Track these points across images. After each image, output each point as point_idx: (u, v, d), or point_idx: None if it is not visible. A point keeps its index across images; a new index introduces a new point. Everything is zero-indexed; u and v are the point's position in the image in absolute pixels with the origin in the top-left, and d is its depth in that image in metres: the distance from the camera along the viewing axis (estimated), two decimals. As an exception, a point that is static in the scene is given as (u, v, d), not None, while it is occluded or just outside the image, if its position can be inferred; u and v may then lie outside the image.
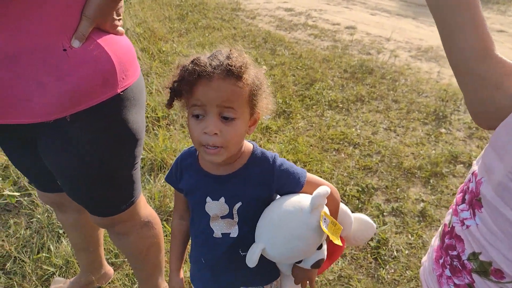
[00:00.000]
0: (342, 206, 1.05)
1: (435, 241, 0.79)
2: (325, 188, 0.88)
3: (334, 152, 2.60)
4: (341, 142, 2.71)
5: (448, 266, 0.68)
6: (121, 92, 1.00)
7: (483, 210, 0.61)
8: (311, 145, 2.65)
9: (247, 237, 0.92)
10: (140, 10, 5.04)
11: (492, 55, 0.59)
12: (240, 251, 0.94)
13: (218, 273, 0.99)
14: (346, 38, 4.80)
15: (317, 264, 0.95)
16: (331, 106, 3.14)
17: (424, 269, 0.80)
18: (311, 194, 0.89)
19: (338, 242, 0.88)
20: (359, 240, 1.11)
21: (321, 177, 2.34)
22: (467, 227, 0.64)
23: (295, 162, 2.46)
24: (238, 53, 0.83)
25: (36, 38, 0.86)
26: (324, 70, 3.76)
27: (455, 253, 0.67)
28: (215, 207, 0.93)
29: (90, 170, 1.05)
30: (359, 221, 1.10)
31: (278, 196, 0.96)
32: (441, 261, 0.70)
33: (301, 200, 0.90)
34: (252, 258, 0.88)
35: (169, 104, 0.87)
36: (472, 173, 0.65)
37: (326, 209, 0.91)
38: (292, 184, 0.92)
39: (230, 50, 0.83)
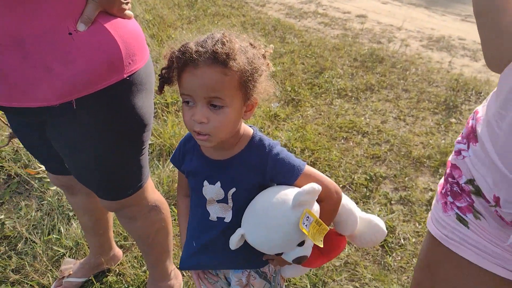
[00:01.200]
0: (349, 204, 1.02)
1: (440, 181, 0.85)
2: (312, 186, 0.85)
3: (342, 141, 2.59)
4: (349, 130, 2.70)
5: (449, 193, 0.74)
6: (128, 76, 1.00)
7: (477, 144, 0.67)
8: (320, 133, 2.65)
9: (240, 222, 0.93)
10: (149, -3, 5.02)
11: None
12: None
13: (209, 255, 1.00)
14: (357, 27, 4.75)
15: (298, 261, 0.93)
16: (340, 95, 3.12)
17: (431, 215, 0.84)
18: None
19: (318, 243, 0.86)
20: (366, 242, 1.07)
21: (329, 165, 2.35)
22: (463, 157, 0.71)
23: (303, 150, 2.45)
24: (229, 38, 0.81)
25: (42, 22, 0.86)
26: (334, 58, 3.73)
27: (453, 180, 0.73)
28: (211, 191, 0.94)
29: (97, 155, 1.06)
30: (369, 223, 1.06)
31: (275, 185, 0.96)
32: (443, 191, 0.76)
33: (288, 193, 0.88)
34: (232, 242, 0.90)
35: (160, 90, 0.87)
36: (474, 112, 0.72)
37: (316, 207, 0.89)
38: (285, 175, 0.91)
39: (223, 35, 0.81)
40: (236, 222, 0.93)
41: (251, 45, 0.87)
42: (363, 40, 4.31)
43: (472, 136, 0.69)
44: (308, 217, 0.85)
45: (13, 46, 0.85)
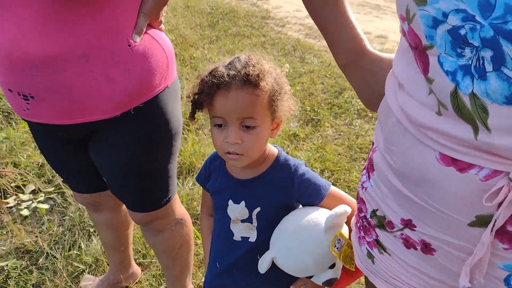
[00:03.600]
0: None
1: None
2: (343, 208, 0.86)
3: (362, 162, 2.56)
4: (370, 152, 2.67)
5: (361, 228, 0.75)
6: (170, 84, 1.06)
7: (374, 173, 0.69)
8: (339, 154, 2.63)
9: (265, 242, 0.93)
10: (172, 17, 5.15)
11: (367, 50, 0.73)
12: (258, 256, 0.95)
13: (234, 275, 1.00)
14: (377, 47, 4.75)
15: (329, 283, 0.93)
16: (360, 115, 3.11)
17: (354, 249, 0.84)
18: (333, 208, 0.89)
19: (350, 266, 0.86)
20: None
21: (349, 186, 2.33)
22: (365, 189, 0.72)
23: (322, 171, 2.44)
24: (256, 60, 0.84)
25: (103, 36, 0.91)
26: (354, 79, 3.73)
27: (363, 214, 0.74)
28: (236, 210, 0.94)
29: (138, 164, 1.10)
30: None
31: (300, 206, 0.96)
32: (358, 224, 0.77)
33: (318, 216, 0.89)
34: (262, 265, 0.90)
35: (192, 117, 0.90)
36: (372, 142, 0.74)
37: (345, 229, 0.89)
38: (312, 195, 0.92)
39: (248, 57, 0.85)
40: (260, 242, 0.93)
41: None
42: (383, 60, 4.30)
43: (369, 166, 0.70)
44: (339, 239, 0.85)
45: (78, 61, 0.90)
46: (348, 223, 0.90)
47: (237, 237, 0.95)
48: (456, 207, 0.55)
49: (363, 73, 0.73)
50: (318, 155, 2.58)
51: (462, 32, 0.44)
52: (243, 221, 0.94)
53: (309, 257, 0.87)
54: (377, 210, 0.69)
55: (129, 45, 0.94)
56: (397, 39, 5.10)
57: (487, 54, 0.43)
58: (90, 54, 0.90)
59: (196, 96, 0.86)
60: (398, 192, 0.63)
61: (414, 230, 0.63)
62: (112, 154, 1.08)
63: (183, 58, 3.98)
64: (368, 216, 0.72)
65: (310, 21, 5.74)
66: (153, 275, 1.73)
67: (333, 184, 2.42)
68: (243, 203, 0.93)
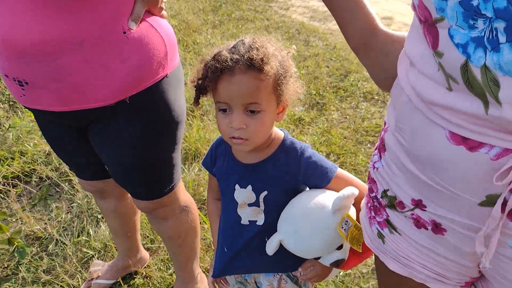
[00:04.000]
0: None
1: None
2: (351, 190, 0.86)
3: (369, 145, 2.55)
4: (376, 134, 2.65)
5: (372, 208, 0.75)
6: (170, 73, 1.04)
7: (386, 153, 0.68)
8: (345, 137, 2.61)
9: (273, 225, 0.93)
10: (175, 2, 5.10)
11: (379, 29, 0.71)
12: (266, 238, 0.95)
13: (242, 259, 1.00)
14: (382, 29, 4.68)
15: (336, 264, 0.93)
16: (366, 98, 3.08)
17: (364, 229, 0.84)
18: (339, 191, 0.88)
19: (357, 247, 0.86)
20: None
21: (355, 170, 2.32)
22: (377, 169, 0.71)
23: (328, 154, 2.43)
24: (261, 43, 0.82)
25: (99, 24, 0.89)
26: (359, 61, 3.69)
27: (373, 194, 0.73)
28: (243, 194, 0.94)
29: (139, 152, 1.09)
30: None
31: (307, 188, 0.96)
32: (369, 204, 0.76)
33: (325, 198, 0.89)
34: (269, 247, 0.91)
35: (196, 102, 0.89)
36: (384, 122, 0.73)
37: (353, 211, 0.89)
38: (318, 178, 0.91)
39: (253, 40, 0.83)
40: (268, 225, 0.93)
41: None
42: (389, 42, 4.24)
43: (381, 146, 0.70)
44: (347, 221, 0.85)
45: (74, 48, 0.89)
46: (355, 204, 0.90)
47: (244, 221, 0.95)
48: (467, 187, 0.55)
49: (376, 54, 0.72)
50: (323, 139, 2.57)
51: (475, 3, 0.43)
52: (250, 205, 0.94)
53: (317, 239, 0.87)
54: (388, 190, 0.69)
55: (125, 32, 0.92)
56: (403, 20, 5.02)
57: (500, 25, 0.42)
58: (86, 41, 0.89)
59: (199, 81, 0.85)
60: (408, 172, 0.63)
61: (425, 210, 0.62)
62: (112, 145, 1.08)
63: (186, 43, 3.94)
64: (379, 196, 0.72)
65: (314, 4, 5.66)
66: (162, 259, 1.75)
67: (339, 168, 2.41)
68: (249, 187, 0.93)
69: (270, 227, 0.93)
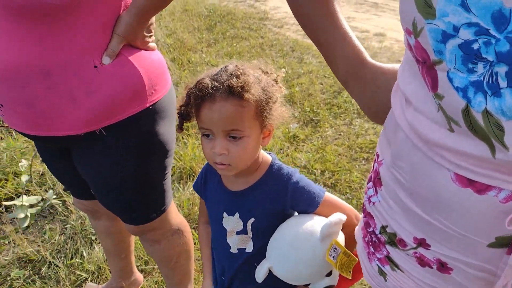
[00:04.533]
0: None
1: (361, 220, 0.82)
2: (338, 216, 0.85)
3: (363, 162, 2.56)
4: (370, 151, 2.66)
5: (370, 243, 0.72)
6: (151, 106, 1.03)
7: (382, 188, 0.65)
8: (340, 154, 2.62)
9: (262, 251, 0.93)
10: (170, 22, 5.16)
11: (367, 62, 0.69)
12: (256, 264, 0.94)
13: (236, 285, 1.00)
14: (375, 45, 4.74)
15: None
16: (360, 114, 3.10)
17: (362, 263, 0.80)
18: (328, 215, 0.88)
19: (347, 274, 0.85)
20: None
21: (350, 187, 2.32)
22: (373, 203, 0.68)
23: (323, 172, 2.43)
24: (243, 70, 0.82)
25: (68, 55, 0.89)
26: (353, 78, 3.72)
27: (371, 229, 0.71)
28: (231, 222, 0.94)
29: (122, 181, 1.08)
30: None
31: (296, 213, 0.95)
32: (366, 239, 0.73)
33: (314, 224, 0.88)
34: (259, 274, 0.90)
35: (180, 128, 0.90)
36: (376, 153, 0.70)
37: (341, 237, 0.88)
38: (306, 203, 0.91)
39: (236, 67, 0.83)
40: (257, 251, 0.93)
41: (263, 72, 0.88)
42: (382, 58, 4.29)
43: (376, 180, 0.67)
44: (335, 248, 0.84)
45: (39, 77, 0.89)
46: (344, 229, 0.90)
47: (233, 249, 0.95)
48: (475, 228, 0.53)
49: (366, 86, 0.70)
50: (318, 156, 2.58)
51: (475, 46, 0.42)
52: (238, 232, 0.94)
53: (305, 266, 0.87)
54: (386, 226, 0.66)
55: (96, 66, 0.92)
56: (395, 36, 5.10)
57: (502, 69, 0.41)
58: (53, 71, 0.89)
59: (182, 108, 0.86)
60: (409, 211, 0.60)
61: (429, 249, 0.60)
62: (93, 170, 1.07)
63: (181, 62, 3.98)
64: (377, 232, 0.69)
65: (308, 21, 5.74)
66: (156, 281, 1.73)
67: (334, 185, 2.41)
68: (237, 214, 0.93)
69: (260, 253, 0.92)
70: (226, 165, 0.84)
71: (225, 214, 0.95)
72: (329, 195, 0.93)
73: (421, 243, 0.61)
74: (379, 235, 0.69)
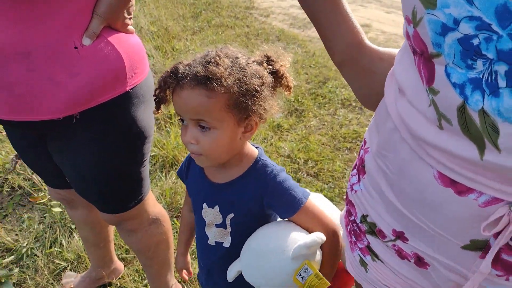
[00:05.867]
0: None
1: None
2: (315, 239, 0.80)
3: (346, 151, 2.57)
4: (353, 141, 2.68)
5: (352, 232, 0.71)
6: (130, 89, 1.01)
7: (365, 176, 0.64)
8: (323, 144, 2.63)
9: (239, 247, 0.90)
10: (154, 9, 5.07)
11: (365, 45, 0.67)
12: (233, 260, 0.92)
13: (213, 278, 1.00)
14: (361, 36, 4.74)
15: None
16: (344, 105, 3.11)
17: (345, 253, 0.78)
18: (306, 226, 0.85)
19: None
20: None
21: (332, 176, 2.33)
22: (355, 191, 0.67)
23: (306, 161, 2.44)
24: (220, 59, 0.77)
25: (48, 36, 0.87)
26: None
27: (352, 218, 0.70)
28: (210, 214, 0.92)
29: (98, 167, 1.06)
30: None
31: (279, 218, 0.92)
32: (348, 228, 0.72)
33: (290, 238, 0.83)
34: (229, 274, 0.89)
35: (157, 109, 0.87)
36: (364, 140, 0.69)
37: (318, 256, 0.84)
38: (284, 207, 0.86)
39: (215, 54, 0.78)
40: (235, 248, 0.91)
41: (256, 62, 0.82)
42: (367, 49, 4.29)
43: (361, 168, 0.65)
44: (307, 269, 0.80)
45: (19, 58, 0.86)
46: (322, 245, 0.85)
47: (211, 241, 0.93)
48: (451, 229, 0.53)
49: (361, 72, 0.68)
50: (302, 146, 2.58)
51: (475, 42, 0.39)
52: (217, 225, 0.91)
53: (272, 281, 0.83)
54: (367, 216, 0.65)
55: (76, 48, 0.90)
56: (381, 27, 5.11)
57: (501, 68, 0.39)
58: (33, 52, 0.86)
59: (157, 91, 0.84)
60: (390, 203, 0.59)
61: (406, 243, 0.60)
62: (70, 158, 1.05)
63: (165, 50, 3.92)
64: (358, 221, 0.68)
65: (294, 11, 5.71)
66: (136, 270, 1.72)
67: (317, 174, 2.42)
68: (217, 207, 0.90)
69: (237, 249, 0.90)
70: (198, 154, 0.82)
71: (204, 205, 0.92)
72: (311, 204, 0.87)
73: (399, 236, 0.60)
74: (359, 224, 0.68)
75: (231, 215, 0.89)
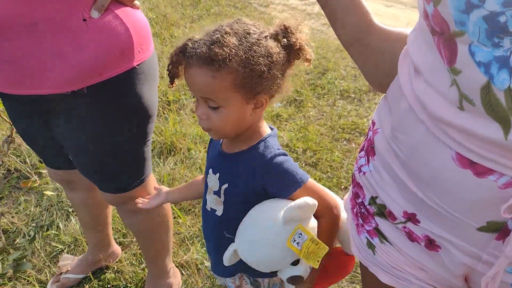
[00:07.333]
0: None
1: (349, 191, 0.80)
2: (305, 200, 0.79)
3: (344, 142, 2.58)
4: (352, 132, 2.68)
5: (359, 214, 0.70)
6: (137, 65, 1.00)
7: (375, 157, 0.63)
8: (322, 134, 2.63)
9: (230, 220, 0.91)
10: (153, -5, 5.01)
11: (373, 25, 0.67)
12: (224, 232, 0.93)
13: (212, 247, 1.02)
14: (360, 29, 4.73)
15: (292, 280, 0.86)
16: (343, 96, 3.11)
17: (351, 236, 0.77)
18: None
19: (313, 263, 0.79)
20: None
21: (331, 166, 2.34)
22: (364, 173, 0.67)
23: (304, 151, 2.44)
24: (229, 38, 0.75)
25: (56, 7, 0.85)
26: (337, 59, 3.72)
27: (359, 200, 0.69)
28: (212, 179, 0.94)
29: (102, 144, 1.05)
30: None
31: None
32: (355, 210, 0.72)
33: (281, 208, 0.82)
34: (225, 258, 0.88)
35: (171, 83, 0.87)
36: (372, 121, 0.68)
37: (312, 224, 0.83)
38: (280, 186, 0.85)
39: (225, 31, 0.77)
40: (226, 218, 0.92)
41: (271, 36, 0.80)
42: (366, 42, 4.29)
43: (370, 149, 0.65)
44: (301, 233, 0.78)
45: (26, 30, 0.84)
46: (321, 219, 0.85)
47: (208, 207, 0.96)
48: (468, 211, 0.52)
49: (370, 52, 0.67)
50: (300, 135, 2.58)
51: (502, 19, 0.38)
52: (214, 192, 0.94)
53: (268, 251, 0.81)
54: (376, 197, 0.64)
55: (85, 20, 0.89)
56: (380, 20, 5.09)
57: None
58: (39, 24, 0.84)
59: (169, 66, 0.84)
60: (402, 184, 0.59)
61: (418, 225, 0.59)
62: (74, 135, 1.04)
63: (163, 37, 3.89)
64: (366, 203, 0.67)
65: (294, 2, 5.68)
66: (134, 254, 1.72)
67: (315, 164, 2.42)
68: (218, 175, 0.93)
69: (227, 221, 0.91)
70: (208, 129, 0.84)
71: (210, 171, 0.95)
72: (311, 183, 0.87)
73: (411, 217, 0.59)
74: (368, 206, 0.67)
75: (226, 185, 0.91)
